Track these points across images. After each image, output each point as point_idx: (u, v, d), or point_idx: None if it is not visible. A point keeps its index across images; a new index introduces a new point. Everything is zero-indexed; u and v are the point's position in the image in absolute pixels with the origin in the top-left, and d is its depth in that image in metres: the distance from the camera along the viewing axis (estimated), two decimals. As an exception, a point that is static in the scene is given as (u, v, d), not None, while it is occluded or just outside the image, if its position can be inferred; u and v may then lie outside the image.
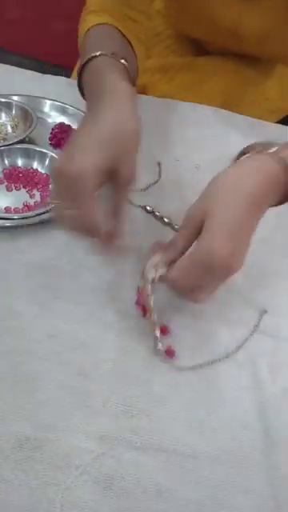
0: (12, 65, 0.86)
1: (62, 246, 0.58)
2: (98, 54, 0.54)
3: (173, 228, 0.59)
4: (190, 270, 0.44)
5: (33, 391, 0.45)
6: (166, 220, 0.60)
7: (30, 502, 0.39)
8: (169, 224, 0.60)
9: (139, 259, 0.58)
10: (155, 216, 0.60)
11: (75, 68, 0.96)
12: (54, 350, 0.48)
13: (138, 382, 0.47)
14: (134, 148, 0.48)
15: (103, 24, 0.60)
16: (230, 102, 0.88)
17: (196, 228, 0.44)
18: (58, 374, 0.47)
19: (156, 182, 0.66)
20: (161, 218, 0.60)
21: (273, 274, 0.58)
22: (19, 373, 0.46)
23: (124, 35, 0.61)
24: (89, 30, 0.60)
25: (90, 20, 0.61)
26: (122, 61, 0.55)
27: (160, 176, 0.67)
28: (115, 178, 0.47)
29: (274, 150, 0.48)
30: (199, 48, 0.90)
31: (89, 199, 0.45)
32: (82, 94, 0.60)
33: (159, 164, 0.47)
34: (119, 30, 0.61)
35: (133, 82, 0.57)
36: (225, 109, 0.83)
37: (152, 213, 0.60)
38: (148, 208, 0.60)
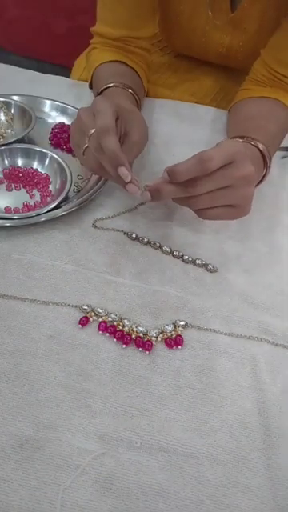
0: (12, 65, 0.86)
1: (62, 246, 0.58)
2: (111, 85, 0.66)
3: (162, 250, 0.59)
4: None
5: (33, 391, 0.45)
6: (156, 244, 0.59)
7: (30, 502, 0.39)
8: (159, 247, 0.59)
9: (138, 259, 0.58)
10: (140, 241, 0.60)
11: (73, 68, 0.97)
12: (54, 350, 0.48)
13: (138, 382, 0.47)
14: (142, 126, 0.56)
15: (110, 61, 0.73)
16: (220, 102, 0.89)
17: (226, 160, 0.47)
18: (58, 373, 0.47)
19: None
20: (147, 243, 0.60)
21: (273, 275, 0.58)
22: (19, 373, 0.46)
23: (129, 65, 0.74)
24: (99, 65, 0.73)
25: (96, 57, 0.74)
26: (130, 90, 0.67)
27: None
28: (125, 142, 0.55)
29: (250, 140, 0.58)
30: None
31: (112, 131, 0.49)
32: None
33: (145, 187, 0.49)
34: (124, 63, 0.73)
35: (139, 103, 0.69)
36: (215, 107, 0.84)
37: (137, 239, 0.60)
38: (133, 235, 0.60)
